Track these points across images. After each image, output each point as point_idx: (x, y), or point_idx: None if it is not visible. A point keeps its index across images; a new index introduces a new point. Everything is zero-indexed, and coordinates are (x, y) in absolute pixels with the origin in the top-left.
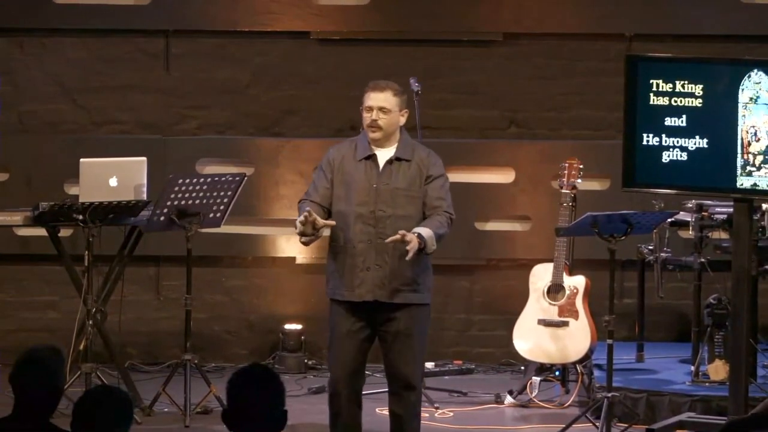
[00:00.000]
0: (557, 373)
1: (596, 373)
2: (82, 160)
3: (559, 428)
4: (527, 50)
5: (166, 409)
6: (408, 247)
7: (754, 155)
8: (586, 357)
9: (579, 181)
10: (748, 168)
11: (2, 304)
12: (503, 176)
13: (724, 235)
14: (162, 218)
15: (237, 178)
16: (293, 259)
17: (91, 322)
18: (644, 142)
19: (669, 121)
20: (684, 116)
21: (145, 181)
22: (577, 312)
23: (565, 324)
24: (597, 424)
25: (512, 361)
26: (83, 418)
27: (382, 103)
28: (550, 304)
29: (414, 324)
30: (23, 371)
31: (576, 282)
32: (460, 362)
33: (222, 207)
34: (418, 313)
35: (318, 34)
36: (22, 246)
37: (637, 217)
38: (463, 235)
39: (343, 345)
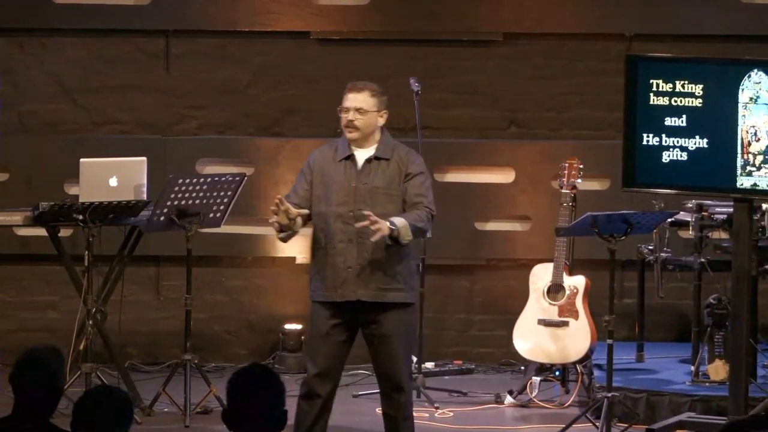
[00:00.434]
0: (557, 373)
1: (596, 373)
2: (82, 160)
3: (559, 428)
4: (527, 50)
5: (166, 409)
6: (373, 228)
7: (754, 155)
8: (586, 357)
9: (579, 181)
10: (748, 168)
11: (2, 304)
12: (503, 176)
13: (724, 235)
14: (162, 218)
15: (237, 178)
16: (293, 259)
17: (91, 322)
18: (644, 142)
19: (669, 121)
20: (684, 116)
21: (145, 181)
22: (577, 312)
23: (565, 324)
24: (597, 424)
25: (512, 361)
26: (83, 418)
27: (359, 103)
28: (550, 304)
29: (399, 325)
30: (23, 371)
31: (576, 282)
32: (460, 362)
33: (222, 207)
34: (403, 314)
35: (318, 34)
36: (22, 246)
37: (637, 217)
38: (463, 235)
39: (322, 346)
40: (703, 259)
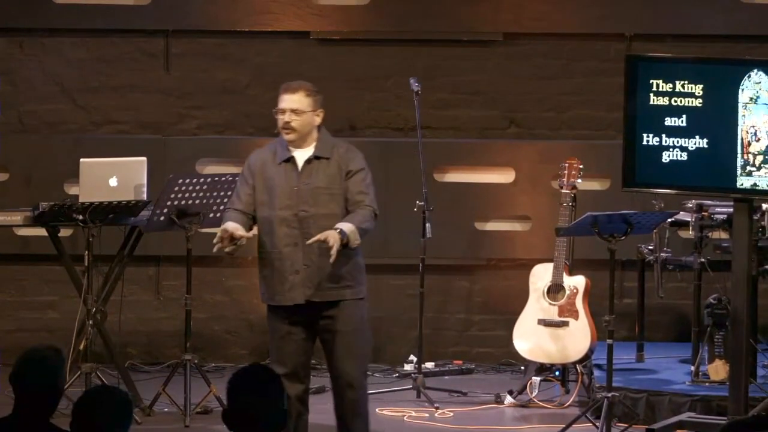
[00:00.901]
0: (557, 373)
1: (596, 373)
2: (82, 160)
3: (559, 428)
4: (527, 50)
5: (166, 409)
6: (329, 246)
7: (754, 155)
8: (586, 357)
9: (579, 181)
10: (748, 168)
11: (2, 304)
12: (503, 176)
13: (724, 235)
14: (162, 218)
15: (237, 178)
16: None
17: (91, 322)
18: (644, 142)
19: (669, 121)
20: (684, 116)
21: (145, 181)
22: (577, 312)
23: (565, 324)
24: (597, 424)
25: (512, 361)
26: (83, 418)
27: (294, 104)
28: (550, 304)
29: (351, 321)
30: (23, 371)
31: (576, 282)
32: (460, 362)
33: (222, 207)
34: (354, 309)
35: (318, 34)
36: (22, 246)
37: (637, 217)
38: (463, 235)
39: (284, 347)
40: (703, 259)
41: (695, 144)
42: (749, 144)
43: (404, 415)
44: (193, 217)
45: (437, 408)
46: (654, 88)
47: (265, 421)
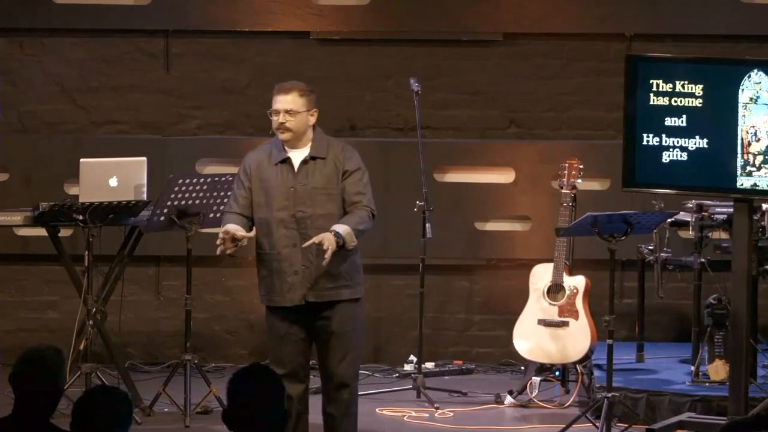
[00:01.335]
0: (557, 373)
1: (596, 373)
2: (82, 160)
3: (559, 428)
4: (527, 50)
5: (166, 409)
6: (324, 248)
7: (754, 155)
8: (586, 357)
9: (579, 181)
10: (748, 168)
11: (2, 304)
12: (503, 176)
13: (724, 235)
14: (162, 218)
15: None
16: None
17: (91, 322)
18: (644, 142)
19: (669, 121)
20: (684, 116)
21: (145, 181)
22: (577, 312)
23: (565, 324)
24: (597, 424)
25: (512, 361)
26: (83, 418)
27: (288, 105)
28: (550, 304)
29: (347, 321)
30: (23, 371)
31: (576, 282)
32: (460, 362)
33: (222, 207)
34: (351, 310)
35: (318, 34)
36: (22, 246)
37: (637, 217)
38: (463, 235)
39: (283, 348)
40: (703, 259)
41: (695, 144)
42: (749, 144)
43: (404, 415)
44: (193, 217)
45: (437, 408)
46: (654, 88)
47: (265, 421)
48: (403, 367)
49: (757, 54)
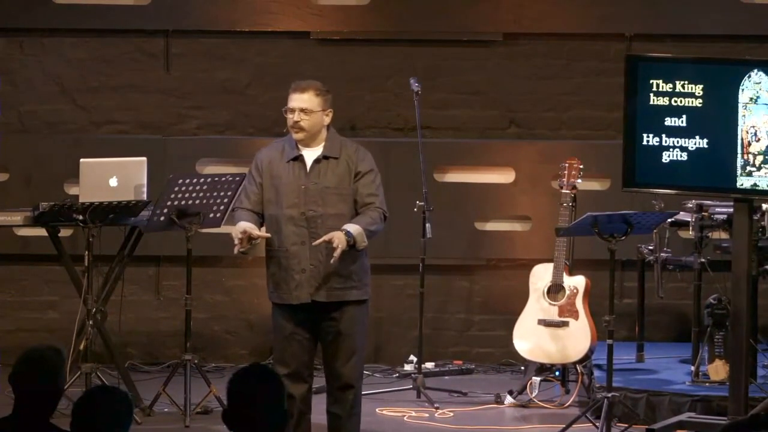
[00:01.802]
0: (557, 373)
1: (596, 373)
2: (82, 160)
3: (559, 428)
4: (527, 50)
5: (166, 409)
6: (334, 245)
7: (754, 155)
8: (586, 357)
9: (579, 181)
10: (748, 168)
11: (2, 304)
12: (503, 176)
13: (724, 235)
14: (162, 218)
15: (237, 178)
16: None
17: (91, 322)
18: (644, 142)
19: (669, 121)
20: (684, 116)
21: (145, 181)
22: (577, 312)
23: (565, 324)
24: (597, 424)
25: (512, 361)
26: (83, 418)
27: (303, 104)
28: (550, 304)
29: (355, 322)
30: (23, 371)
31: (576, 282)
32: (460, 362)
33: (222, 207)
34: (358, 311)
35: (318, 34)
36: (22, 246)
37: (637, 217)
38: (463, 235)
39: (288, 347)
40: (703, 259)
41: (695, 144)
42: (749, 144)
43: (404, 415)
44: (193, 217)
45: (437, 408)
46: (654, 88)
47: (265, 421)
48: (403, 367)
49: (757, 54)
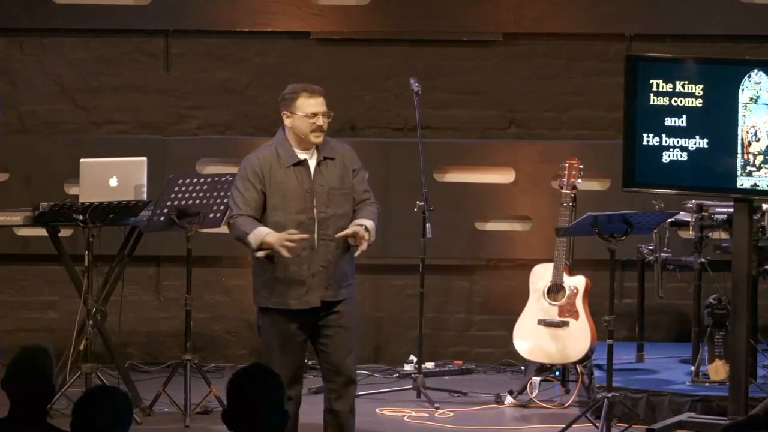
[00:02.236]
0: (557, 373)
1: (596, 373)
2: (82, 160)
3: (559, 428)
4: (527, 50)
5: (166, 409)
6: (362, 240)
7: (755, 155)
8: (586, 357)
9: (579, 181)
10: (749, 168)
11: (2, 304)
12: (503, 176)
13: (724, 235)
14: (162, 218)
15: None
16: None
17: (91, 322)
18: (644, 143)
19: (669, 121)
20: (684, 116)
21: (145, 181)
22: (577, 312)
23: (565, 324)
24: (597, 424)
25: (512, 362)
26: (83, 418)
27: (324, 107)
28: (550, 304)
29: (351, 317)
30: (16, 374)
31: (576, 282)
32: (460, 362)
33: (222, 207)
34: (352, 307)
35: (318, 34)
36: (22, 246)
37: (637, 217)
38: (463, 235)
39: (289, 351)
40: (703, 259)
41: (695, 144)
42: (749, 144)
43: (404, 415)
44: (193, 217)
45: (437, 408)
46: (654, 88)
47: (265, 421)
48: (403, 367)
49: (757, 54)
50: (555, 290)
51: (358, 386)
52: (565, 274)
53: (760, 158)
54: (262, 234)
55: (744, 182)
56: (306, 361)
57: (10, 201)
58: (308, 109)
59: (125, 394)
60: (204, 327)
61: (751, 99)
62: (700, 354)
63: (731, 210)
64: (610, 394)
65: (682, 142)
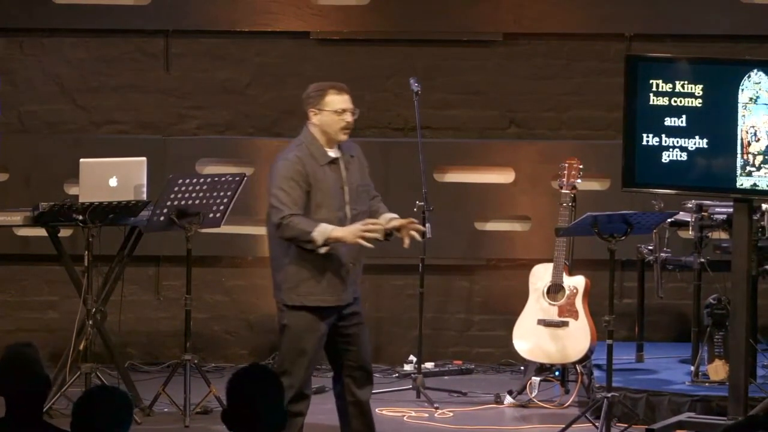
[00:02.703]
0: (557, 373)
1: (596, 373)
2: (81, 160)
3: (559, 428)
4: (527, 50)
5: (166, 410)
6: (423, 229)
7: (754, 155)
8: (586, 357)
9: (579, 181)
10: (748, 168)
11: (2, 304)
12: (503, 176)
13: (723, 235)
14: (162, 218)
15: (237, 179)
16: None
17: (90, 322)
18: (644, 143)
19: (669, 122)
20: (684, 116)
21: (144, 182)
22: (576, 312)
23: (564, 324)
24: (597, 424)
25: (512, 361)
26: (83, 418)
27: (352, 104)
28: (550, 304)
29: (362, 313)
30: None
31: (576, 282)
32: (460, 362)
33: (222, 207)
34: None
35: (318, 34)
36: (22, 246)
37: (637, 217)
38: (463, 235)
39: (318, 349)
40: (702, 259)
41: (695, 144)
42: (749, 144)
43: (404, 415)
44: (192, 217)
45: (437, 408)
46: (654, 88)
47: (265, 421)
48: (403, 367)
49: (757, 54)
50: (555, 290)
51: None
52: (564, 274)
53: (759, 158)
54: (327, 230)
55: (744, 182)
56: None
57: (9, 201)
58: (337, 105)
59: (125, 394)
60: (204, 327)
61: (751, 99)
62: (699, 354)
63: (731, 210)
64: (609, 394)
65: (682, 142)
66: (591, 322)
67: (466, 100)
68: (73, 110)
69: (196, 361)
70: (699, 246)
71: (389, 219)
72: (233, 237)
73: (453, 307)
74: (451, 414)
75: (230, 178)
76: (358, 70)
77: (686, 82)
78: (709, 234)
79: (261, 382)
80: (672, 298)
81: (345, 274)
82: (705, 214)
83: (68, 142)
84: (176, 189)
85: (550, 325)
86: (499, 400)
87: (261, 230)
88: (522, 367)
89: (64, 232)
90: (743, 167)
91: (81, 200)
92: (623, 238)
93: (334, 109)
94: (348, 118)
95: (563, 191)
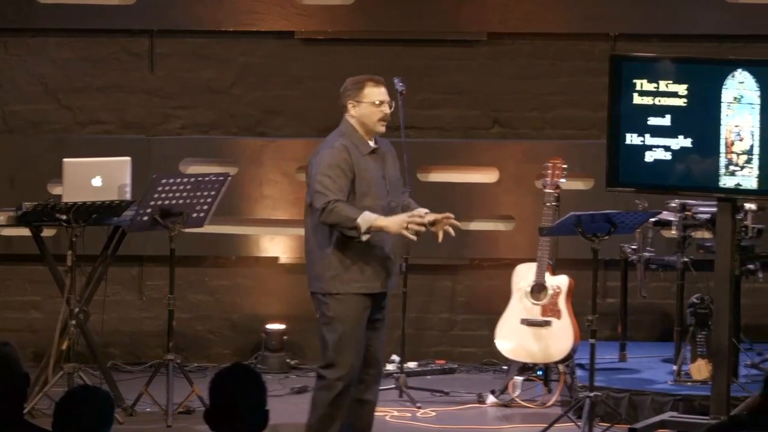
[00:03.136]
0: (539, 372)
1: (579, 372)
2: (65, 160)
3: (541, 428)
4: (511, 50)
5: (148, 409)
6: (456, 222)
7: (738, 155)
8: (569, 357)
9: (563, 180)
10: (732, 168)
11: None
12: (487, 176)
13: (707, 235)
14: (145, 218)
15: (221, 178)
16: (276, 258)
17: (73, 322)
18: (628, 142)
19: (653, 121)
20: (668, 116)
21: (128, 181)
22: (559, 312)
23: (547, 324)
24: (579, 423)
25: (495, 361)
26: (65, 418)
27: (389, 97)
28: (533, 303)
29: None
30: None
31: (559, 282)
32: (443, 362)
33: (206, 207)
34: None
35: (302, 34)
36: (5, 246)
37: (620, 217)
38: (447, 235)
39: (360, 337)
40: (686, 259)
41: (679, 144)
42: (733, 144)
43: (386, 415)
44: (176, 217)
45: (419, 408)
46: (638, 88)
47: (247, 421)
48: (385, 366)
49: (742, 54)
50: (538, 290)
51: None
52: (548, 273)
53: (743, 158)
54: (371, 218)
55: (727, 182)
56: (287, 360)
57: None
58: (376, 97)
59: (107, 394)
60: (187, 327)
61: (735, 98)
62: (682, 353)
63: (714, 209)
64: (592, 394)
65: (666, 141)
66: (574, 321)
67: (450, 99)
68: (57, 110)
69: (178, 361)
70: (682, 245)
71: (423, 213)
72: (217, 237)
73: (436, 307)
74: (434, 413)
75: (214, 178)
76: (343, 70)
77: (670, 82)
78: (693, 233)
79: (243, 382)
80: (655, 298)
81: (387, 262)
82: (688, 213)
83: (52, 142)
84: (160, 189)
85: (533, 325)
86: (481, 400)
87: (245, 230)
88: (505, 367)
89: (48, 232)
90: (727, 167)
91: (64, 200)
92: (606, 237)
93: (372, 101)
94: (386, 109)
95: (547, 191)
